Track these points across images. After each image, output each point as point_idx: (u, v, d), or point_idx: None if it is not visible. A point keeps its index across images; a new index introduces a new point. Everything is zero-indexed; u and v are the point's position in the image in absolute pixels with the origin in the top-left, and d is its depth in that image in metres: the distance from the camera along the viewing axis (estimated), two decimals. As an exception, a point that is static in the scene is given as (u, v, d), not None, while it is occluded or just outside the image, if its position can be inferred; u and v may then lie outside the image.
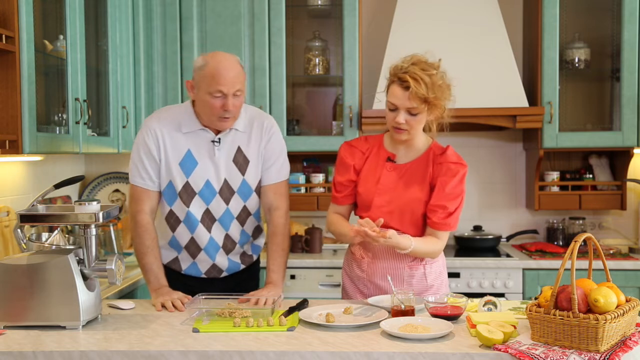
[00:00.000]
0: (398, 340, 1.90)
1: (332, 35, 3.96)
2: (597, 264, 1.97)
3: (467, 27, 3.73)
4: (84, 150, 2.99)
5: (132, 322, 2.14)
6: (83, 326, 2.07)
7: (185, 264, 2.58)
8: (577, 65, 3.81)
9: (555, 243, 3.95)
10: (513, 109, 3.61)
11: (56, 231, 2.38)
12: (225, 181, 2.48)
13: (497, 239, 3.91)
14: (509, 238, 4.07)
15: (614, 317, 1.74)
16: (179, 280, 2.56)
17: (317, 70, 3.93)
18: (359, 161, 2.48)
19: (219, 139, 2.45)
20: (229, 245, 2.56)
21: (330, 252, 3.84)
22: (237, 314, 2.12)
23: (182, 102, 3.69)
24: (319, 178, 3.89)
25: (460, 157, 2.41)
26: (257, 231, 2.65)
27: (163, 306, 2.31)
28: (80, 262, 2.10)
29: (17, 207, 2.93)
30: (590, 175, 3.90)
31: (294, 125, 3.95)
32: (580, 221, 3.95)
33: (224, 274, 2.61)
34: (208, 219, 2.50)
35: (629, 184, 3.83)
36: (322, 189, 3.88)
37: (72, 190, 3.65)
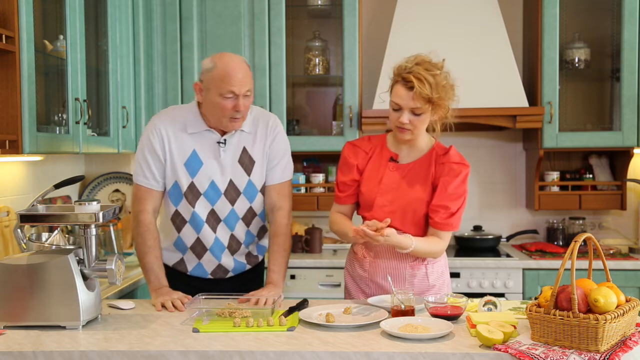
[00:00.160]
0: (398, 340, 1.90)
1: (332, 35, 3.96)
2: (597, 264, 1.97)
3: (467, 27, 3.73)
4: (84, 150, 2.98)
5: (132, 322, 2.14)
6: (83, 326, 2.07)
7: (190, 265, 2.58)
8: (577, 65, 3.81)
9: (555, 243, 3.95)
10: (513, 109, 3.61)
11: (56, 231, 2.37)
12: (231, 182, 2.48)
13: (497, 239, 3.91)
14: (509, 238, 4.07)
15: (614, 317, 1.74)
16: (184, 281, 2.56)
17: (317, 70, 3.93)
18: (362, 161, 2.48)
19: (225, 140, 2.46)
20: (234, 245, 2.56)
21: (330, 252, 3.84)
22: (237, 314, 2.12)
23: (182, 102, 3.70)
24: (319, 178, 3.90)
25: (462, 158, 2.42)
26: (262, 231, 2.64)
27: (163, 306, 2.31)
28: (80, 262, 2.10)
29: (17, 207, 2.93)
30: (590, 175, 3.90)
31: (294, 125, 3.95)
32: (580, 221, 3.96)
33: (230, 274, 2.61)
34: (213, 219, 2.50)
35: (629, 184, 3.83)
36: (322, 189, 3.88)
37: (72, 190, 3.65)
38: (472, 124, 3.76)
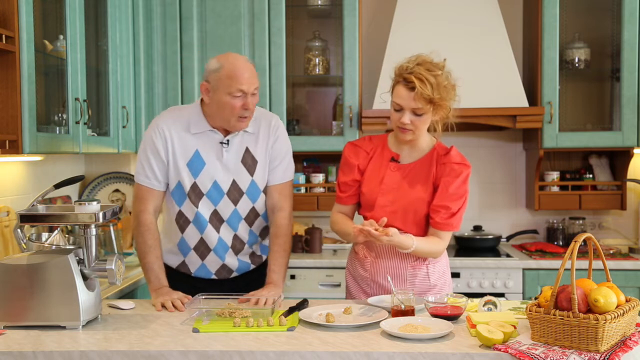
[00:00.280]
0: (398, 340, 1.90)
1: (332, 35, 3.96)
2: (597, 264, 1.97)
3: (467, 27, 3.73)
4: (84, 150, 2.98)
5: (132, 322, 2.14)
6: (83, 326, 2.07)
7: (194, 267, 2.58)
8: (577, 65, 3.81)
9: (555, 243, 3.95)
10: (513, 109, 3.61)
11: (56, 231, 2.37)
12: (234, 182, 2.48)
13: (497, 239, 3.91)
14: (509, 238, 4.07)
15: (614, 317, 1.74)
16: (188, 282, 2.55)
17: (317, 70, 3.93)
18: (363, 161, 2.48)
19: (228, 140, 2.46)
20: (237, 245, 2.56)
21: (330, 252, 3.84)
22: (237, 314, 2.12)
23: (182, 102, 3.70)
24: (319, 178, 3.90)
25: (464, 158, 2.42)
26: (266, 231, 2.64)
27: (163, 306, 2.31)
28: (80, 262, 2.10)
29: (17, 207, 2.93)
30: (590, 175, 3.90)
31: (294, 125, 3.95)
32: (580, 221, 3.96)
33: (234, 274, 2.60)
34: (216, 219, 2.50)
35: (629, 184, 3.83)
36: (322, 189, 3.88)
37: (72, 190, 3.65)
38: (472, 124, 3.76)
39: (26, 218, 2.12)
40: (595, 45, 3.85)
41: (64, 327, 2.05)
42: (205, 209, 2.48)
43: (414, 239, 2.32)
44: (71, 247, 2.18)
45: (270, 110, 3.69)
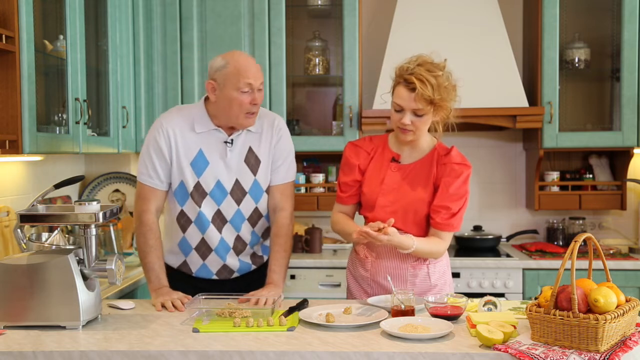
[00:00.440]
0: (398, 340, 1.90)
1: (332, 35, 3.96)
2: (597, 264, 1.96)
3: (467, 27, 3.73)
4: (84, 150, 2.99)
5: (132, 322, 2.14)
6: (83, 326, 2.07)
7: (195, 267, 2.58)
8: (577, 65, 3.81)
9: (555, 243, 3.95)
10: (513, 109, 3.61)
11: (56, 231, 2.37)
12: (237, 182, 2.47)
13: (497, 239, 3.91)
14: (509, 238, 4.07)
15: (614, 317, 1.74)
16: (189, 283, 2.55)
17: (317, 70, 3.93)
18: (364, 161, 2.48)
19: (232, 139, 2.46)
20: (239, 246, 2.55)
21: (330, 252, 3.84)
22: (237, 314, 2.12)
23: (182, 102, 3.70)
24: (319, 178, 3.90)
25: (464, 158, 2.42)
26: (268, 232, 2.63)
27: (163, 306, 2.31)
28: (80, 262, 2.10)
29: (17, 207, 2.93)
30: (590, 175, 3.90)
31: (294, 125, 3.95)
32: (580, 221, 3.96)
33: (235, 275, 2.60)
34: (219, 219, 2.50)
35: (629, 184, 3.83)
36: (322, 189, 3.88)
37: (72, 190, 3.65)
38: (472, 124, 3.76)
39: (26, 218, 2.12)
40: (595, 45, 3.85)
41: (64, 327, 2.05)
42: (208, 208, 2.47)
43: (414, 240, 2.32)
44: (71, 247, 2.18)
45: (270, 110, 3.69)
